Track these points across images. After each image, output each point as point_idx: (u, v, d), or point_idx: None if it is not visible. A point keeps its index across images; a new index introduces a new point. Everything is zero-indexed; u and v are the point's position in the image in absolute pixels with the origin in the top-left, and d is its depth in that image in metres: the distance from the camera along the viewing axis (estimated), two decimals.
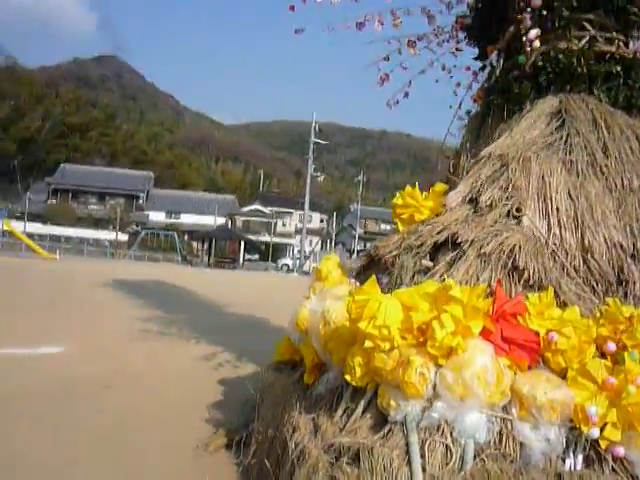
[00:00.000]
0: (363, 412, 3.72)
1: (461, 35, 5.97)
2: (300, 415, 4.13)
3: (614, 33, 5.10)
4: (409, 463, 3.21)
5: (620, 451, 3.30)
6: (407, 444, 3.30)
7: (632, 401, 3.29)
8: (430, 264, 4.10)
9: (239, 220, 63.69)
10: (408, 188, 5.02)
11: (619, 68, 4.93)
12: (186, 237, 59.14)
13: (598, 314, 3.86)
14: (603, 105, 4.89)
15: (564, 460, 3.31)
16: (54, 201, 63.73)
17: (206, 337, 11.40)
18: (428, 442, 3.29)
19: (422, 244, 4.23)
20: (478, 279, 3.83)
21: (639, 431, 3.27)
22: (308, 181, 47.94)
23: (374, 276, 3.82)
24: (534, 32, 4.92)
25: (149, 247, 53.82)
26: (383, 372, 3.57)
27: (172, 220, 63.38)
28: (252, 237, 55.87)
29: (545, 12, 4.94)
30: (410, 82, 7.01)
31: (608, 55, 5.02)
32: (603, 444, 3.35)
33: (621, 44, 5.08)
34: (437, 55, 6.73)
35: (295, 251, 58.32)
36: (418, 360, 3.42)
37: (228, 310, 16.51)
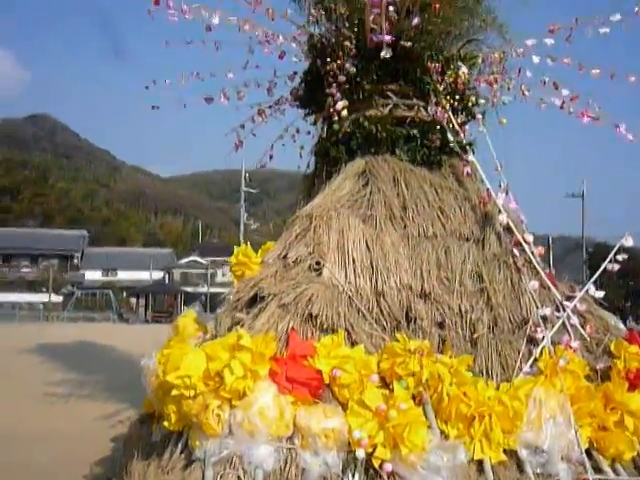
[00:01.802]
0: (180, 453, 4.19)
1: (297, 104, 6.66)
2: (138, 462, 4.56)
3: (415, 100, 5.86)
4: None
5: (388, 467, 3.86)
6: (203, 478, 3.79)
7: (395, 423, 3.87)
8: (243, 316, 4.64)
9: (177, 273, 63.40)
10: (242, 246, 5.60)
11: (416, 131, 5.68)
12: (124, 294, 58.45)
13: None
14: (404, 164, 5.61)
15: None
16: None
17: (116, 396, 11.57)
18: (221, 474, 3.79)
19: (239, 299, 4.78)
20: (277, 327, 4.38)
21: (401, 448, 3.84)
22: (242, 229, 48.42)
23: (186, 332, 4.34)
24: (340, 104, 5.63)
25: (85, 307, 53.06)
26: (190, 416, 4.06)
27: (109, 278, 62.66)
28: (191, 289, 55.69)
29: (349, 86, 5.68)
30: (272, 146, 7.64)
31: (409, 119, 5.77)
32: (376, 462, 3.91)
33: (422, 109, 5.84)
34: (292, 120, 7.37)
35: None
36: (215, 403, 3.94)
37: None
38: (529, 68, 6.45)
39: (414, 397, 4.23)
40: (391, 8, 5.21)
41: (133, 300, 57.37)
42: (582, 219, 39.58)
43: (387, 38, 5.35)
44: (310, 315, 4.43)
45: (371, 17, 5.47)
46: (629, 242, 5.61)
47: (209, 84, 6.94)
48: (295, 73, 6.64)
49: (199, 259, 64.87)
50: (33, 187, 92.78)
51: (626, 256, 5.58)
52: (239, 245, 5.73)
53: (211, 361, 4.04)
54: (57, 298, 55.11)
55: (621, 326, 5.64)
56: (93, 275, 63.18)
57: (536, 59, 6.30)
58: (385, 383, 4.29)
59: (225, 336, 4.35)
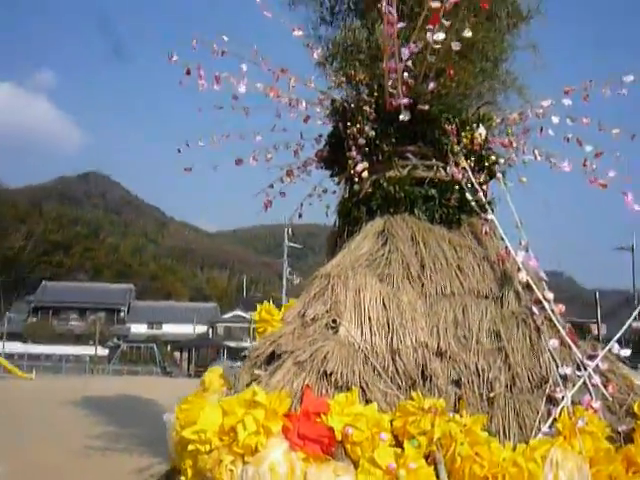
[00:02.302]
0: None
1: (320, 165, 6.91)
2: None
3: (433, 160, 6.01)
4: None
5: None
6: None
7: None
8: (261, 373, 4.76)
9: (220, 327, 64.04)
10: (265, 304, 5.75)
11: (434, 191, 5.81)
12: (168, 347, 59.14)
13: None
14: (422, 223, 5.73)
15: None
16: (35, 319, 64.16)
17: (152, 450, 11.65)
18: None
19: (258, 355, 4.91)
20: (293, 384, 4.48)
21: None
22: (284, 283, 48.74)
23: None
24: (361, 166, 5.83)
25: (129, 360, 53.85)
26: (205, 471, 4.15)
27: (154, 331, 63.62)
28: (234, 344, 56.01)
29: (368, 149, 5.88)
30: (302, 204, 7.89)
31: (427, 179, 5.91)
32: None
33: (440, 169, 5.99)
34: (319, 180, 7.61)
35: None
36: (228, 458, 4.03)
37: None
38: (550, 128, 6.55)
39: (427, 456, 4.23)
40: (406, 74, 5.42)
41: (177, 354, 57.97)
42: (632, 272, 38.65)
43: (405, 101, 5.56)
44: (325, 372, 4.52)
45: (389, 82, 5.71)
46: None
47: (240, 144, 7.24)
48: (320, 136, 6.91)
49: (242, 313, 65.33)
50: (84, 242, 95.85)
51: None
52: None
53: (226, 416, 4.15)
54: (103, 351, 56.07)
55: None
56: (139, 328, 64.27)
57: (555, 119, 6.41)
58: (398, 442, 4.31)
59: (242, 392, 4.46)
